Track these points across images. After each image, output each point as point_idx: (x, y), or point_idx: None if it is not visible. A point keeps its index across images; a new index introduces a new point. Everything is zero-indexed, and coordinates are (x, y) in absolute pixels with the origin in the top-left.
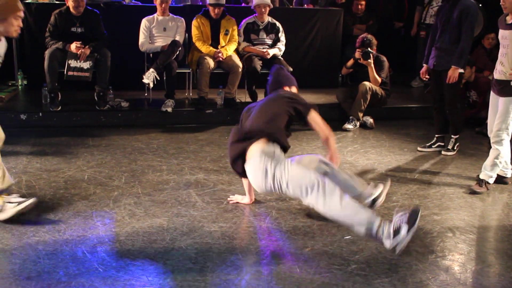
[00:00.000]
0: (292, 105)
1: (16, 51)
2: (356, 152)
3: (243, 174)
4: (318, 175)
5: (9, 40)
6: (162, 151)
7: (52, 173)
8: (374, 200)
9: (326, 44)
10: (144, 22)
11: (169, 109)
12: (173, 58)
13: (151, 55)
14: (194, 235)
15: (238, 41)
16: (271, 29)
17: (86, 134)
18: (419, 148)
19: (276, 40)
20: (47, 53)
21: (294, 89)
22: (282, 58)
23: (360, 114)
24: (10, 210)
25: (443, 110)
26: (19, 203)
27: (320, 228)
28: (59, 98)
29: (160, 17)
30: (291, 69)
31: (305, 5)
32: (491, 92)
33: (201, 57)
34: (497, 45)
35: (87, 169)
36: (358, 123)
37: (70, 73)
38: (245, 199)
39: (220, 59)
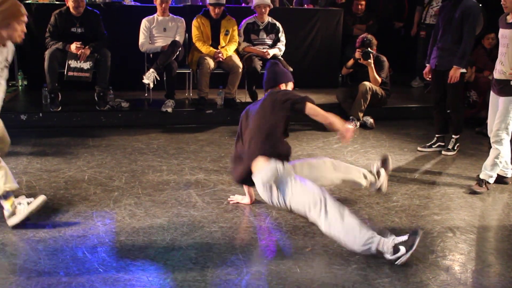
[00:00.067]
0: (287, 106)
1: (16, 52)
2: (356, 152)
3: (248, 184)
4: (321, 193)
5: None
6: (162, 152)
7: (52, 174)
8: (379, 189)
9: (326, 44)
10: (144, 22)
11: (169, 110)
12: (173, 58)
13: (151, 55)
14: (195, 235)
15: (238, 41)
16: (271, 29)
17: (86, 135)
18: (419, 148)
19: (276, 40)
20: (47, 54)
21: (290, 85)
22: (282, 58)
23: (360, 114)
24: (23, 211)
25: (444, 110)
26: (29, 203)
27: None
28: (59, 99)
29: (160, 17)
30: (291, 69)
31: (305, 5)
32: (491, 92)
33: (201, 57)
34: (497, 45)
35: (88, 170)
36: (358, 123)
37: (70, 73)
38: (245, 199)
39: (220, 59)
